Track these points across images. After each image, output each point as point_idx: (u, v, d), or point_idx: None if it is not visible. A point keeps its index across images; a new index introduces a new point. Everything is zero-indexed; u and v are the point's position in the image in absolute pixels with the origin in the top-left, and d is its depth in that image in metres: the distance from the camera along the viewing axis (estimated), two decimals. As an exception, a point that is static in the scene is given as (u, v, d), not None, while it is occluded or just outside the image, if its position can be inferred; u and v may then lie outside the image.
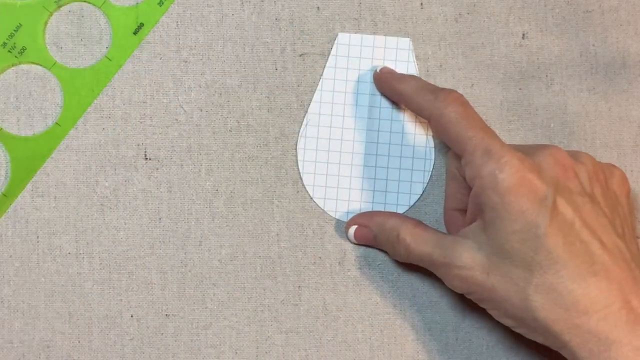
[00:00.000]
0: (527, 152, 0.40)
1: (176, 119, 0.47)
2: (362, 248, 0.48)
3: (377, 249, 0.47)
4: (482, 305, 0.42)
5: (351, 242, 0.47)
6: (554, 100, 0.48)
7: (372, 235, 0.46)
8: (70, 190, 0.47)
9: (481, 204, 0.40)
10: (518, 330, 0.41)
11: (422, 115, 0.43)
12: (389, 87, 0.45)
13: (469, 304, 0.48)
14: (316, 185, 0.47)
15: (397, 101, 0.46)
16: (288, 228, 0.48)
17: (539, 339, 0.40)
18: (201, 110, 0.47)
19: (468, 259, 0.40)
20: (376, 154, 0.47)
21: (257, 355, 0.48)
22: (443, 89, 0.42)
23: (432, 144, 0.48)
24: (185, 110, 0.47)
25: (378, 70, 0.46)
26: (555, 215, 0.38)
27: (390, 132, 0.47)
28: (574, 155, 0.41)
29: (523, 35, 0.48)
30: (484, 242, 0.40)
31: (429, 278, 0.48)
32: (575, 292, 0.37)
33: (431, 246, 0.42)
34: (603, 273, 0.38)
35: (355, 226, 0.46)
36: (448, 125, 0.41)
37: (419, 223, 0.44)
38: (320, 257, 0.48)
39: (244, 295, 0.48)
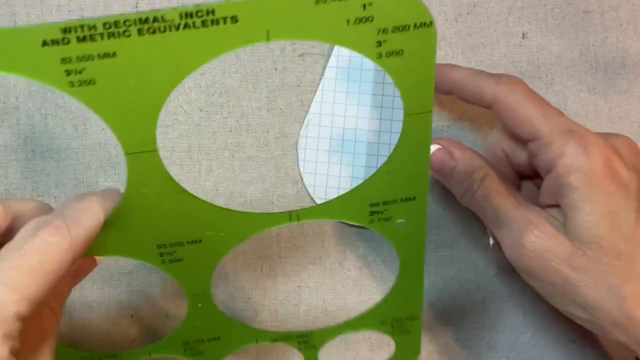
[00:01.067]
0: (606, 138, 0.39)
1: (176, 119, 0.47)
2: (362, 248, 0.48)
3: (440, 181, 0.43)
4: (542, 290, 0.40)
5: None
6: (553, 100, 0.48)
7: (452, 165, 0.42)
8: (70, 190, 0.47)
9: (564, 186, 0.37)
10: (596, 320, 0.38)
11: (481, 100, 0.40)
12: (439, 76, 0.42)
13: (469, 304, 0.48)
14: (316, 185, 0.47)
15: (447, 91, 0.42)
16: (288, 228, 0.48)
17: (617, 331, 0.38)
18: (201, 110, 0.47)
19: (552, 236, 0.37)
20: (377, 155, 0.47)
21: (257, 355, 0.48)
22: (502, 74, 0.40)
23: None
24: (185, 110, 0.47)
25: None
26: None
27: (391, 132, 0.47)
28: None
29: (523, 35, 0.48)
30: (570, 224, 0.37)
31: (428, 278, 0.48)
32: None
33: (514, 203, 0.39)
34: None
35: (438, 147, 0.42)
36: (517, 107, 0.39)
37: (505, 174, 0.41)
38: (320, 257, 0.48)
39: (244, 295, 0.48)
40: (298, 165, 0.47)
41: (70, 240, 0.28)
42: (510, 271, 0.49)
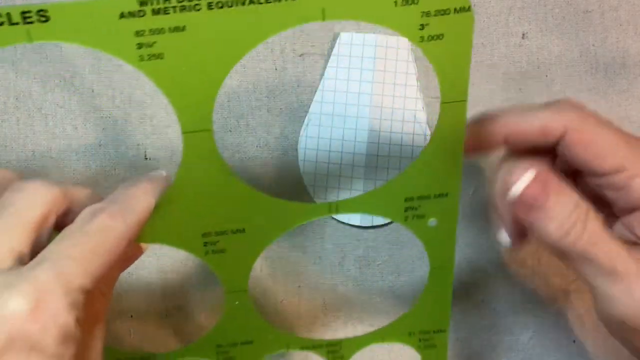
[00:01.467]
0: None
1: (176, 119, 0.47)
2: (362, 248, 0.48)
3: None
4: (630, 341, 0.34)
5: (508, 195, 0.33)
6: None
7: (545, 200, 0.33)
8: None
9: None
10: None
11: (547, 136, 0.33)
12: (485, 130, 0.35)
13: (469, 304, 0.48)
14: (317, 185, 0.47)
15: (499, 143, 0.35)
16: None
17: None
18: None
19: None
20: (377, 155, 0.47)
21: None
22: (554, 101, 0.35)
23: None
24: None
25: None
26: None
27: (391, 132, 0.47)
28: None
29: (523, 35, 0.48)
30: None
31: (429, 278, 0.48)
32: None
33: (627, 251, 0.33)
34: None
35: (534, 172, 0.33)
36: (594, 136, 0.33)
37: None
38: (320, 257, 0.48)
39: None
40: (298, 165, 0.47)
41: (125, 224, 0.30)
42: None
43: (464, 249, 0.48)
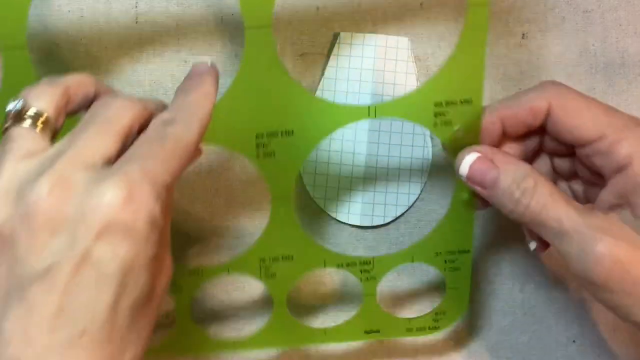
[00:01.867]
0: None
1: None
2: (361, 248, 0.48)
3: (478, 195, 0.40)
4: (615, 302, 0.36)
5: (458, 174, 0.40)
6: (553, 100, 0.48)
7: (495, 174, 0.38)
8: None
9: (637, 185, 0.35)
10: None
11: (536, 115, 0.38)
12: (486, 130, 0.40)
13: (469, 304, 0.48)
14: (316, 185, 0.47)
15: (499, 135, 0.40)
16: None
17: None
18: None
19: (628, 240, 0.35)
20: (377, 154, 0.47)
21: (257, 355, 0.48)
22: (536, 85, 0.39)
23: (429, 144, 0.48)
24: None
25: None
26: None
27: (390, 132, 0.47)
28: None
29: (523, 35, 0.48)
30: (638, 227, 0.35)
31: (429, 278, 0.48)
32: None
33: (579, 211, 0.36)
34: None
35: (477, 155, 0.39)
36: (577, 108, 0.37)
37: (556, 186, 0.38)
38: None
39: (244, 295, 0.48)
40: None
41: (193, 132, 0.33)
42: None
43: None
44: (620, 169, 0.36)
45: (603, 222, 0.36)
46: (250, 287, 0.48)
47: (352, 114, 0.40)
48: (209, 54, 0.47)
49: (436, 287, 0.48)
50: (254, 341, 0.45)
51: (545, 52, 0.48)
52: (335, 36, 0.47)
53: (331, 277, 0.48)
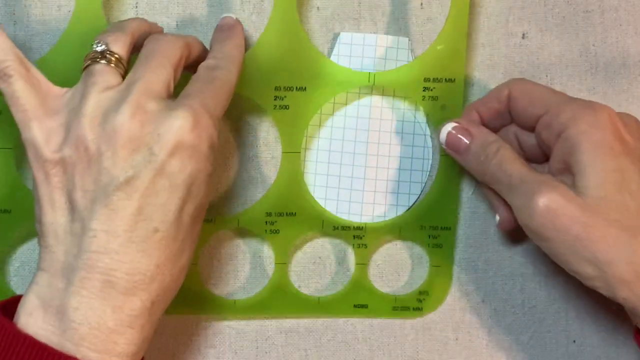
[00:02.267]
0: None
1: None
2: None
3: (456, 158, 0.45)
4: (552, 250, 0.40)
5: (438, 141, 0.45)
6: (553, 100, 0.48)
7: (468, 142, 0.44)
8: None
9: (574, 146, 0.40)
10: (606, 278, 0.39)
11: (501, 102, 0.45)
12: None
13: (469, 304, 0.48)
14: (317, 185, 0.47)
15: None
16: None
17: (625, 290, 0.39)
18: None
19: (563, 196, 0.39)
20: (377, 155, 0.47)
21: (256, 355, 0.48)
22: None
23: (430, 144, 0.48)
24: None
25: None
26: None
27: (391, 132, 0.47)
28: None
29: (523, 35, 0.48)
30: (581, 181, 0.39)
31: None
32: None
33: (527, 169, 0.41)
34: None
35: (455, 124, 0.44)
36: (530, 89, 0.43)
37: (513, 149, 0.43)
38: (320, 257, 0.48)
39: (244, 295, 0.48)
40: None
41: (233, 76, 0.40)
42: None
43: (465, 249, 0.48)
44: (558, 135, 0.41)
45: (545, 177, 0.40)
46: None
47: (356, 78, 0.46)
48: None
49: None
50: (249, 306, 0.47)
51: (545, 52, 0.48)
52: (335, 36, 0.47)
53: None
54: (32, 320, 0.35)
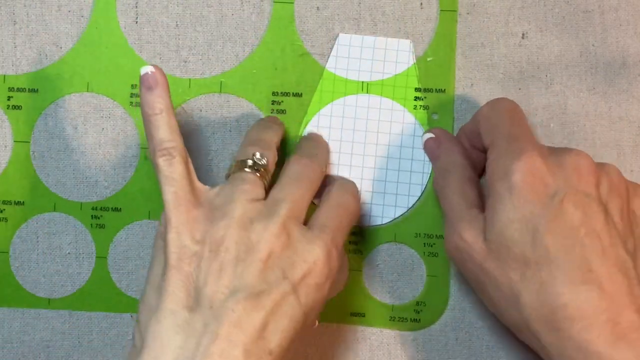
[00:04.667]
0: (553, 151, 0.40)
1: (176, 119, 0.47)
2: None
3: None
4: (472, 286, 0.42)
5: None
6: (553, 100, 0.48)
7: (437, 155, 0.46)
8: (70, 190, 0.47)
9: (489, 189, 0.40)
10: (503, 321, 0.41)
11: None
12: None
13: (469, 304, 0.48)
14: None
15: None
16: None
17: (521, 336, 0.40)
18: (201, 110, 0.47)
19: (470, 237, 0.40)
20: (375, 156, 0.47)
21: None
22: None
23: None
24: (185, 110, 0.47)
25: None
26: (560, 214, 0.38)
27: (390, 133, 0.47)
28: (601, 165, 0.40)
29: (523, 35, 0.48)
30: (487, 226, 0.40)
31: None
32: (564, 296, 0.37)
33: (458, 203, 0.42)
34: (596, 283, 0.37)
35: (432, 135, 0.46)
36: (477, 123, 0.43)
37: (473, 176, 0.44)
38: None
39: (244, 295, 0.48)
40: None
41: (359, 204, 0.45)
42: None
43: None
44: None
45: (465, 217, 0.41)
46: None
47: (349, 86, 0.47)
48: (209, 53, 0.47)
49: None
50: None
51: (545, 52, 0.48)
52: (335, 37, 0.47)
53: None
54: None
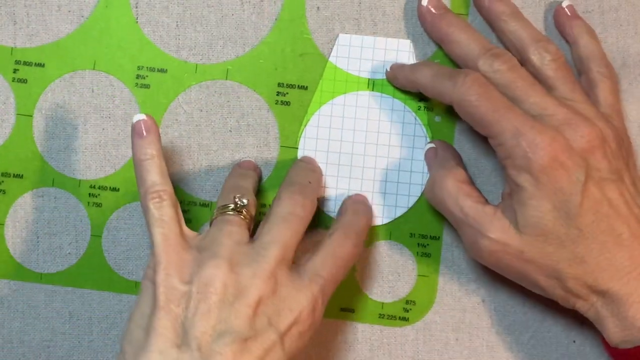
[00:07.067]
0: (557, 128, 0.41)
1: (176, 119, 0.47)
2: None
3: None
4: (512, 277, 0.44)
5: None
6: (554, 101, 0.48)
7: (435, 164, 0.46)
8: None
9: (514, 185, 0.41)
10: (547, 295, 0.43)
11: (443, 101, 0.43)
12: (405, 79, 0.46)
13: (469, 304, 0.48)
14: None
15: (417, 91, 0.45)
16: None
17: (568, 304, 0.43)
18: (201, 111, 0.47)
19: (500, 235, 0.42)
20: (375, 156, 0.47)
21: (257, 355, 0.48)
22: (460, 72, 0.42)
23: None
24: (185, 110, 0.47)
25: (389, 69, 0.47)
26: (586, 195, 0.40)
27: (390, 133, 0.47)
28: (600, 134, 0.42)
29: (523, 35, 0.48)
30: (519, 219, 0.41)
31: (428, 278, 0.48)
32: (601, 263, 0.41)
33: (470, 207, 0.43)
34: (627, 245, 0.41)
35: (432, 146, 0.47)
36: (471, 109, 0.41)
37: (466, 176, 0.45)
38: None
39: (244, 295, 0.48)
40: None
41: (357, 252, 0.44)
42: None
43: (464, 250, 0.48)
44: (503, 167, 0.42)
45: (487, 218, 0.42)
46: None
47: (355, 82, 0.47)
48: (210, 53, 0.47)
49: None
50: None
51: (545, 52, 0.48)
52: (335, 37, 0.47)
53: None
54: None
